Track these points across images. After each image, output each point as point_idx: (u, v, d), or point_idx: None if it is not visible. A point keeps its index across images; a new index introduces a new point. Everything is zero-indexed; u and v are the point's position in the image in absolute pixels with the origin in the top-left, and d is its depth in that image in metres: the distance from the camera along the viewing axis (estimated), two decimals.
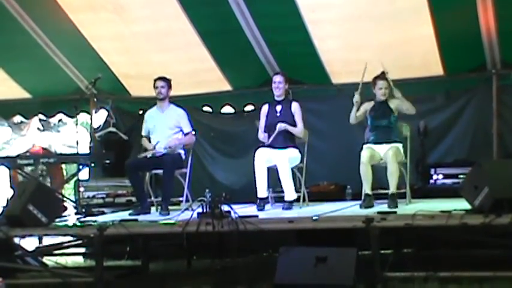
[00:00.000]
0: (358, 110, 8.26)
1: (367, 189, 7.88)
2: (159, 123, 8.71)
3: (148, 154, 8.59)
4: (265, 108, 8.67)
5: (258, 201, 8.20)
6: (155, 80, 8.73)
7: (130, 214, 8.17)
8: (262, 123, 8.62)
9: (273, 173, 8.27)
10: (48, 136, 19.42)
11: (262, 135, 8.57)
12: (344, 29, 9.10)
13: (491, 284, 5.96)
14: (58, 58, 10.15)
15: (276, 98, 8.56)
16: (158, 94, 8.72)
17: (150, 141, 8.78)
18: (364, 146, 8.08)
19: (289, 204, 8.15)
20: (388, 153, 7.88)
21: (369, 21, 8.78)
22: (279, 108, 8.54)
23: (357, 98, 8.20)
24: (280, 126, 8.33)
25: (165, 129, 8.68)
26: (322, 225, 6.74)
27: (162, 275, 7.94)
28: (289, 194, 8.19)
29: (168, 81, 8.73)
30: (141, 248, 8.22)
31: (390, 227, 6.57)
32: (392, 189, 7.86)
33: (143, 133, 8.91)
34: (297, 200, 8.31)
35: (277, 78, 8.54)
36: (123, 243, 8.91)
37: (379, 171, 8.11)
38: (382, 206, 7.76)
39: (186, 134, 8.75)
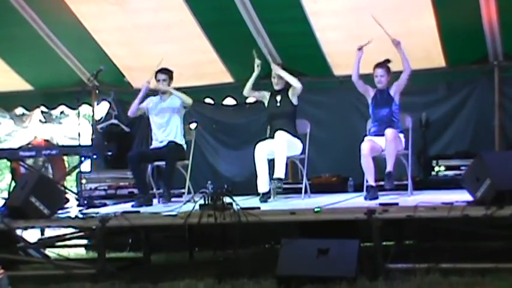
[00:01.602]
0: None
1: (370, 180, 7.87)
2: (158, 106, 8.69)
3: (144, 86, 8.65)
4: (267, 94, 8.68)
5: (261, 195, 8.19)
6: (156, 73, 8.71)
7: (132, 206, 8.17)
8: (255, 76, 8.61)
9: (273, 164, 8.25)
10: (50, 128, 19.41)
11: (247, 89, 8.63)
12: (346, 21, 9.10)
13: (493, 276, 5.96)
14: (60, 50, 10.15)
15: (275, 88, 8.58)
16: (158, 87, 8.70)
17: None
18: (365, 138, 8.07)
19: (279, 181, 8.05)
20: (386, 132, 7.81)
21: (371, 13, 8.76)
22: (279, 98, 8.54)
23: (359, 46, 8.14)
24: (274, 67, 8.44)
25: (164, 113, 8.66)
26: (324, 217, 6.75)
27: (164, 267, 7.96)
28: (279, 171, 8.08)
29: (169, 73, 8.71)
30: (143, 239, 8.23)
31: (392, 218, 6.58)
32: (390, 168, 7.84)
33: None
34: (290, 193, 8.32)
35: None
36: (125, 235, 8.95)
37: (380, 163, 8.10)
38: (386, 197, 7.75)
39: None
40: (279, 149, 8.11)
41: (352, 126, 9.61)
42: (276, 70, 8.47)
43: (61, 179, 9.71)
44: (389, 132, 7.84)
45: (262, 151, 8.21)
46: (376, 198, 7.72)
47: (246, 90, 8.56)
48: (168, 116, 8.64)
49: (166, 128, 8.63)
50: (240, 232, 6.66)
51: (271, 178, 8.20)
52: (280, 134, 8.19)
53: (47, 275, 7.07)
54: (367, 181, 7.94)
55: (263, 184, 8.20)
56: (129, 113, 8.84)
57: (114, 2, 9.22)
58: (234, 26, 9.41)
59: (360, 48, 8.14)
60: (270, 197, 8.23)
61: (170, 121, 8.64)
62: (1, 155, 9.48)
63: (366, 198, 7.81)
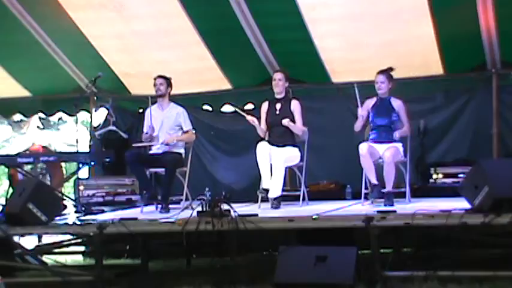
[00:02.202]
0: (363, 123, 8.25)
1: (372, 179, 7.87)
2: (158, 120, 8.69)
3: (150, 144, 8.56)
4: (265, 106, 8.65)
5: (262, 190, 8.15)
6: (154, 78, 8.72)
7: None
8: (262, 119, 8.59)
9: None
10: (48, 134, 19.42)
11: (262, 132, 8.55)
12: (344, 28, 9.10)
13: (491, 284, 5.95)
14: (58, 56, 10.15)
15: (276, 96, 8.55)
16: (157, 91, 8.70)
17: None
18: (363, 142, 8.07)
19: (276, 201, 8.13)
20: (385, 154, 7.87)
21: (369, 20, 8.78)
22: (278, 106, 8.52)
23: (360, 111, 8.16)
24: (284, 121, 8.31)
25: (164, 127, 8.66)
26: (322, 225, 6.73)
27: (161, 274, 7.94)
28: (275, 190, 8.12)
29: (167, 79, 8.73)
30: (141, 246, 8.21)
31: (390, 226, 6.57)
32: (389, 187, 7.86)
33: (144, 129, 8.81)
34: (287, 200, 8.30)
35: (278, 76, 8.54)
36: (123, 242, 8.91)
37: (379, 169, 8.09)
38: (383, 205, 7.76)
39: (185, 132, 8.73)
40: (276, 169, 8.12)
41: (350, 133, 9.53)
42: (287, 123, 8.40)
43: (59, 186, 9.70)
44: (387, 153, 7.85)
45: (265, 149, 8.18)
46: (382, 197, 7.73)
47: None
48: (167, 126, 8.66)
49: (166, 136, 8.62)
50: (238, 239, 6.65)
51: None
52: (278, 153, 8.18)
53: (44, 282, 7.04)
54: (369, 181, 7.96)
55: (267, 180, 8.19)
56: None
57: (113, 8, 9.22)
58: (232, 33, 9.41)
59: (363, 114, 8.16)
60: None
61: (170, 132, 8.64)
62: None
63: (371, 198, 7.83)
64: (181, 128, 8.72)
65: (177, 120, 8.70)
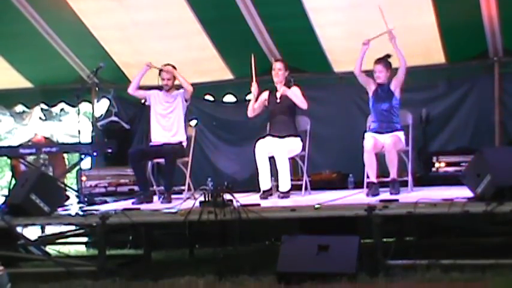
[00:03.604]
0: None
1: (371, 177, 7.87)
2: (162, 101, 8.69)
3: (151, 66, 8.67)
4: (265, 94, 8.61)
5: (262, 192, 8.17)
6: (161, 69, 8.68)
7: (133, 203, 8.18)
8: (259, 100, 8.54)
9: (274, 161, 8.24)
10: (50, 125, 19.39)
11: (250, 112, 8.56)
12: (345, 17, 9.09)
13: (493, 272, 5.95)
14: (59, 47, 10.14)
15: (276, 85, 8.51)
16: (165, 86, 8.70)
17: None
18: (367, 134, 8.05)
19: (285, 194, 8.14)
20: (386, 141, 7.86)
21: (371, 9, 8.75)
22: (278, 94, 8.48)
23: (365, 41, 8.10)
24: (282, 90, 8.31)
25: (166, 109, 8.67)
26: (324, 214, 6.75)
27: (164, 264, 7.96)
28: (284, 185, 8.14)
29: (171, 73, 8.68)
30: (144, 237, 8.23)
31: (392, 215, 6.58)
32: (393, 175, 7.86)
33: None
34: (291, 189, 8.26)
35: (278, 65, 8.50)
36: (126, 232, 8.95)
37: (381, 158, 8.09)
38: (387, 194, 7.75)
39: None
40: (281, 163, 8.11)
41: (352, 122, 9.59)
42: (284, 91, 8.38)
43: (61, 177, 9.71)
44: (388, 141, 7.84)
45: (263, 149, 8.18)
46: (378, 194, 7.72)
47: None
48: (170, 111, 8.65)
49: (168, 125, 8.62)
50: (240, 229, 6.66)
51: (272, 175, 8.22)
52: (280, 146, 8.18)
53: (47, 272, 7.08)
54: (368, 177, 7.94)
55: (265, 181, 8.19)
56: (129, 90, 8.83)
57: None
58: (233, 23, 9.40)
59: (366, 43, 8.10)
60: (271, 194, 8.22)
61: (172, 118, 8.64)
62: (1, 153, 9.52)
63: (367, 195, 7.81)
64: (181, 107, 8.70)
65: (181, 97, 8.68)
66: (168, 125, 8.64)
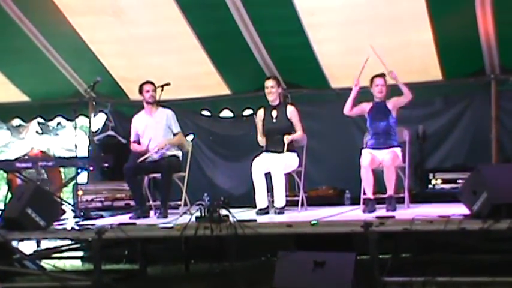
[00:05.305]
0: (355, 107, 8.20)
1: (368, 193, 7.86)
2: (148, 126, 8.60)
3: (148, 156, 8.51)
4: (260, 113, 8.56)
5: (258, 209, 8.16)
6: (143, 85, 8.59)
7: (130, 217, 8.16)
8: (259, 127, 8.55)
9: (270, 177, 8.23)
10: (46, 139, 19.40)
11: (261, 140, 8.52)
12: (343, 33, 9.10)
13: None
14: (57, 61, 10.16)
15: (271, 103, 8.48)
16: (150, 97, 8.58)
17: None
18: (364, 151, 8.05)
19: (281, 209, 8.13)
20: (385, 158, 7.87)
21: (368, 26, 8.79)
22: (274, 113, 8.44)
23: (355, 82, 8.11)
24: (286, 139, 8.22)
25: (155, 132, 8.58)
26: (320, 230, 6.74)
27: (160, 279, 7.94)
28: (279, 201, 8.14)
29: (154, 85, 8.65)
30: (139, 251, 8.21)
31: (389, 231, 6.57)
32: (390, 191, 7.86)
33: (132, 139, 8.72)
34: (287, 205, 8.27)
35: (269, 83, 8.43)
36: (121, 247, 8.90)
37: (379, 174, 8.09)
38: (383, 210, 7.74)
39: (175, 135, 8.66)
40: (276, 179, 8.10)
41: (349, 138, 9.61)
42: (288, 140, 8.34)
43: (57, 191, 9.70)
44: (387, 157, 7.84)
45: (259, 167, 8.16)
46: (374, 211, 7.71)
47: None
48: (159, 130, 8.59)
49: (160, 140, 8.56)
50: (237, 244, 6.64)
51: (268, 190, 8.20)
52: (276, 161, 8.16)
53: (42, 286, 7.05)
54: (365, 193, 7.94)
55: (261, 200, 8.18)
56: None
57: (112, 13, 9.23)
58: (231, 38, 9.41)
59: (357, 83, 8.12)
60: (267, 212, 8.19)
61: (162, 135, 8.60)
62: None
63: (364, 211, 7.80)
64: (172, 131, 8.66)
65: (167, 123, 8.61)
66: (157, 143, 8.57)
